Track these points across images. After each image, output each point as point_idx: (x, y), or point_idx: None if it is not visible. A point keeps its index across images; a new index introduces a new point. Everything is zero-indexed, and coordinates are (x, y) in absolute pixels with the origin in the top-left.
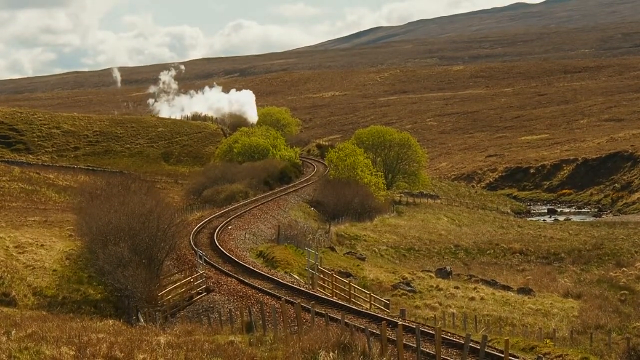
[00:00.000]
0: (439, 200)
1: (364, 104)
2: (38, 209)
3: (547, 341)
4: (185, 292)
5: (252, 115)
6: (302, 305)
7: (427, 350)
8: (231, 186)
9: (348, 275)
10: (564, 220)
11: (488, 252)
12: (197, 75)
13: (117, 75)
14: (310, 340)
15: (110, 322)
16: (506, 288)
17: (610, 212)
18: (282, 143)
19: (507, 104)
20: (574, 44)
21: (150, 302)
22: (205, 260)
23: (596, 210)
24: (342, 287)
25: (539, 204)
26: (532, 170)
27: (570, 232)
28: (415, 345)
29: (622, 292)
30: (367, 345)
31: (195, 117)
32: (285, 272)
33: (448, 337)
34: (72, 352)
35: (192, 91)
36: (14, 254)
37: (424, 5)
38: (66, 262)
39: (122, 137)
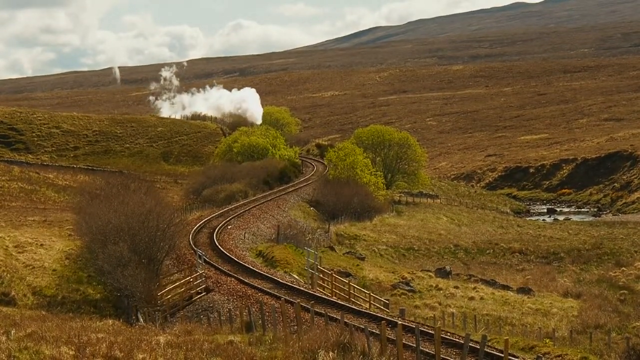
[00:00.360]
0: (439, 200)
1: (363, 103)
2: (37, 209)
3: (547, 341)
4: (184, 292)
5: (257, 115)
6: (301, 305)
7: (427, 350)
8: (231, 186)
9: (347, 275)
10: (564, 220)
11: (487, 251)
12: (196, 75)
13: (117, 73)
14: (309, 340)
15: (110, 321)
16: (506, 288)
17: (610, 211)
18: (282, 143)
19: (506, 104)
20: (573, 43)
21: (150, 302)
22: (204, 260)
23: (596, 209)
24: (342, 286)
25: (538, 203)
26: (531, 170)
27: (570, 231)
28: (414, 345)
29: (621, 291)
30: (366, 345)
31: (195, 116)
32: (285, 272)
33: (447, 337)
34: (71, 352)
35: (193, 89)
36: (14, 253)
37: (424, 5)
38: (66, 261)
39: (121, 136)
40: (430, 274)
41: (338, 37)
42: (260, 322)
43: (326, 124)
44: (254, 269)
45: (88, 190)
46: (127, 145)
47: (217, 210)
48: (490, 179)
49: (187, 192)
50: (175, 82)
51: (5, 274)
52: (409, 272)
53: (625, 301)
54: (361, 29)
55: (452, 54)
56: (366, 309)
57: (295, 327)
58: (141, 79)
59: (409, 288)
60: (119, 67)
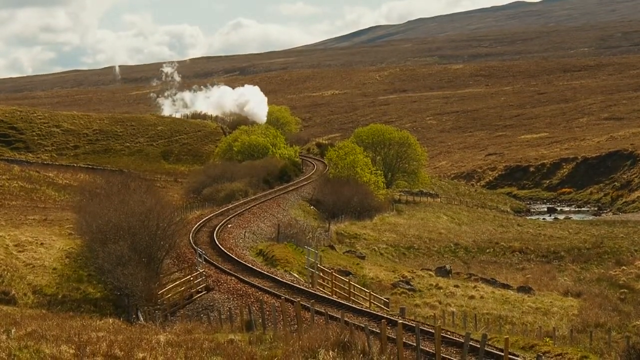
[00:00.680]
0: (439, 199)
1: (363, 102)
2: (38, 208)
3: (547, 340)
4: (185, 291)
5: (261, 114)
6: (301, 304)
7: (427, 349)
8: (231, 185)
9: (348, 273)
10: (564, 219)
11: (488, 250)
12: (197, 74)
13: (117, 69)
14: (310, 339)
15: (110, 320)
16: (506, 287)
17: (610, 210)
18: (282, 142)
19: (506, 103)
20: (573, 42)
21: (150, 301)
22: (205, 258)
23: (596, 208)
24: (342, 285)
25: (538, 202)
26: (531, 169)
27: (570, 230)
28: (415, 344)
29: (621, 290)
30: (366, 343)
31: (195, 115)
32: (285, 271)
33: (448, 336)
34: (71, 351)
35: (195, 86)
36: (14, 252)
37: (424, 3)
38: (66, 260)
39: (121, 135)
40: (431, 272)
41: (338, 36)
42: (260, 321)
43: (326, 123)
44: (254, 267)
45: (88, 189)
46: (127, 144)
47: (217, 209)
48: (491, 178)
49: (187, 191)
50: (177, 78)
51: (5, 272)
52: (409, 271)
53: (626, 300)
54: (361, 28)
55: (452, 53)
56: (366, 307)
57: (296, 325)
58: (141, 77)
59: (409, 287)
60: (119, 66)
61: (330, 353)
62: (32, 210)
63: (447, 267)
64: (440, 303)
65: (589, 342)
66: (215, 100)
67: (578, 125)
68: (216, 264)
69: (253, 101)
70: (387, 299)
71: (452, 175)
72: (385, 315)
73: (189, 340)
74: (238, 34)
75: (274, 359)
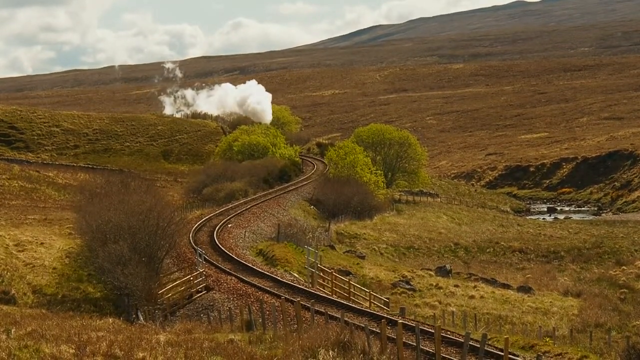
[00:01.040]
0: (439, 199)
1: (363, 102)
2: (38, 207)
3: (547, 339)
4: (184, 291)
5: (267, 113)
6: (301, 304)
7: (427, 349)
8: (231, 184)
9: (348, 273)
10: (564, 218)
11: (488, 250)
12: (197, 73)
13: (118, 68)
14: (310, 339)
15: (110, 320)
16: (506, 286)
17: (610, 210)
18: (282, 141)
19: (506, 103)
20: (573, 42)
21: (150, 301)
22: (205, 258)
23: (596, 208)
24: (342, 285)
25: (538, 202)
26: (531, 169)
27: (570, 230)
28: (415, 344)
29: (621, 290)
30: (366, 343)
31: (195, 115)
32: (285, 271)
33: (448, 336)
34: (71, 351)
35: (197, 84)
36: (14, 252)
37: (424, 3)
38: (66, 260)
39: (121, 135)
40: (431, 272)
41: (338, 35)
42: (260, 320)
43: (326, 122)
44: (254, 267)
45: (88, 188)
46: (128, 143)
47: (217, 209)
48: (491, 178)
49: (187, 190)
50: (179, 74)
51: (5, 272)
52: (409, 271)
53: (626, 300)
54: (361, 28)
55: (453, 53)
56: (366, 307)
57: (296, 325)
58: (141, 77)
59: (409, 287)
60: (119, 66)
61: (330, 353)
62: (32, 210)
63: (447, 267)
64: (440, 303)
65: (589, 342)
66: (217, 99)
67: (578, 125)
68: (216, 263)
69: (257, 99)
70: (387, 298)
71: (452, 175)
72: (385, 315)
73: (188, 340)
74: (238, 34)
75: (274, 359)
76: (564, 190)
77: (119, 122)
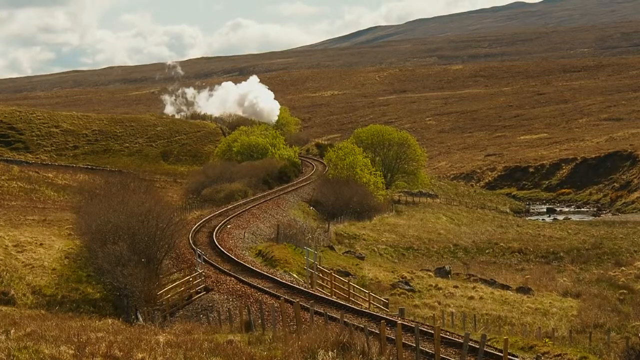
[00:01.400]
0: (438, 200)
1: (363, 103)
2: (37, 208)
3: (546, 340)
4: (184, 291)
5: (272, 113)
6: (301, 305)
7: (426, 350)
8: (230, 185)
9: (347, 274)
10: (563, 219)
11: (487, 251)
12: (196, 74)
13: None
14: (309, 339)
15: (109, 321)
16: (505, 287)
17: (609, 211)
18: (281, 142)
19: (506, 103)
20: (573, 43)
21: (149, 301)
22: (204, 259)
23: (595, 209)
24: (341, 286)
25: (538, 203)
26: (531, 170)
27: (569, 231)
28: (414, 345)
29: (621, 291)
30: (366, 344)
31: (195, 115)
32: (285, 271)
33: (447, 336)
34: (71, 351)
35: (198, 82)
36: (13, 252)
37: (423, 4)
38: (65, 261)
39: (121, 136)
40: (430, 273)
41: (337, 36)
42: (259, 321)
43: (326, 123)
44: (254, 268)
45: (87, 189)
46: (127, 144)
47: (217, 210)
48: (490, 179)
49: (186, 191)
50: (180, 71)
51: (4, 273)
52: (408, 272)
53: (625, 301)
54: (360, 29)
55: (452, 54)
56: (366, 308)
57: (295, 326)
58: (140, 78)
59: (409, 287)
60: (118, 67)
61: (330, 354)
62: (32, 211)
63: (447, 267)
64: (439, 304)
65: (588, 342)
66: (218, 100)
67: (577, 125)
68: (215, 264)
69: (261, 98)
70: (387, 299)
71: (452, 176)
72: (384, 316)
73: (188, 340)
74: (237, 34)
75: None
76: (563, 191)
77: (119, 123)
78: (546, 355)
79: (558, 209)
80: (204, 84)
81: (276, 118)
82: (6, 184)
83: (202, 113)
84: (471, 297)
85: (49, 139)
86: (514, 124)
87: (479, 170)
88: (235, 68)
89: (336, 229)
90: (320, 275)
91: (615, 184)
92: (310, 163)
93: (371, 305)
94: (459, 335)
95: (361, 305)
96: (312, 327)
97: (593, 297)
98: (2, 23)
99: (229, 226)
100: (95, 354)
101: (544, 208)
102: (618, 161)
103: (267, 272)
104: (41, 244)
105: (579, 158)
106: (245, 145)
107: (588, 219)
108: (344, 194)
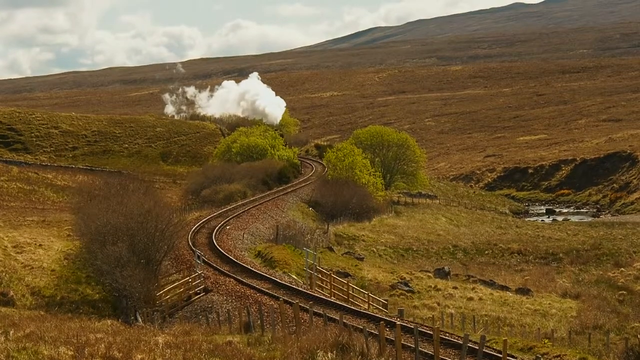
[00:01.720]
0: (437, 201)
1: (362, 104)
2: (36, 209)
3: (546, 341)
4: (183, 292)
5: (277, 113)
6: (300, 306)
7: (425, 351)
8: (229, 186)
9: (346, 275)
10: (563, 220)
11: (486, 252)
12: (195, 75)
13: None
14: (308, 341)
15: (109, 322)
16: (504, 288)
17: (609, 212)
18: (281, 143)
19: (505, 104)
20: (572, 44)
21: (149, 302)
22: (203, 260)
23: (594, 210)
24: (341, 287)
25: (537, 204)
26: (530, 171)
27: (569, 232)
28: (413, 346)
29: (620, 292)
30: (365, 345)
31: (194, 116)
32: (284, 272)
33: (446, 337)
34: (70, 352)
35: (199, 81)
36: (12, 253)
37: (422, 5)
38: (64, 262)
39: (120, 137)
40: (429, 274)
41: (336, 37)
42: (259, 322)
43: (325, 124)
44: (253, 269)
45: (87, 190)
46: (126, 145)
47: (216, 211)
48: (489, 180)
49: (185, 192)
50: (182, 69)
51: (3, 274)
52: (407, 273)
53: (624, 302)
54: (360, 30)
55: (451, 55)
56: (365, 309)
57: (294, 327)
58: (140, 79)
59: (408, 288)
60: (117, 68)
61: (329, 355)
62: (31, 212)
63: (446, 268)
64: (438, 305)
65: (587, 343)
66: (219, 100)
67: (577, 126)
68: (215, 265)
69: (264, 97)
70: (386, 300)
71: (451, 177)
72: (383, 317)
73: (187, 341)
74: (237, 35)
75: None
76: (562, 191)
77: (118, 124)
78: (545, 356)
79: (557, 210)
80: (204, 84)
81: (280, 118)
82: (5, 185)
83: (202, 114)
84: (470, 298)
85: (48, 139)
86: (514, 124)
87: (478, 171)
88: (234, 69)
89: (335, 230)
90: (320, 276)
91: (614, 184)
92: (310, 164)
93: (370, 306)
94: (458, 336)
95: (360, 306)
96: (312, 328)
97: (592, 298)
98: (1, 24)
99: (228, 227)
100: (94, 355)
101: (543, 209)
102: (617, 162)
103: (266, 273)
104: (40, 245)
105: (578, 159)
106: (245, 146)
107: (587, 220)
108: (343, 195)
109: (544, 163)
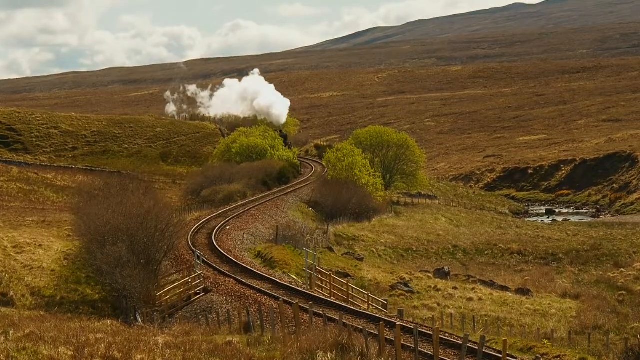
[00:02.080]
0: (437, 201)
1: (362, 104)
2: (36, 209)
3: (545, 341)
4: (183, 293)
5: (282, 114)
6: (300, 306)
7: (425, 351)
8: (229, 186)
9: (346, 275)
10: (562, 220)
11: (486, 252)
12: (195, 75)
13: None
14: (308, 341)
15: (108, 322)
16: (504, 288)
17: (609, 212)
18: (280, 143)
19: (505, 105)
20: (572, 44)
21: (148, 303)
22: (203, 260)
23: (594, 210)
24: (340, 287)
25: (537, 204)
26: (530, 171)
27: (569, 232)
28: (413, 346)
29: (620, 292)
30: (365, 345)
31: (194, 117)
32: (284, 273)
33: (446, 338)
34: (70, 352)
35: (200, 81)
36: (12, 254)
37: (422, 5)
38: (64, 262)
39: (120, 137)
40: (429, 274)
41: (336, 37)
42: (258, 322)
43: (325, 124)
44: (253, 269)
45: (86, 190)
46: (126, 145)
47: (216, 211)
48: (489, 180)
49: (185, 192)
50: (184, 67)
51: (3, 274)
52: (407, 273)
53: (624, 302)
54: (359, 30)
55: (451, 55)
56: (364, 309)
57: (294, 327)
58: (140, 79)
59: (408, 289)
60: (117, 68)
61: (329, 355)
62: (31, 212)
63: (446, 269)
64: (438, 305)
65: (587, 344)
66: (221, 100)
67: (576, 127)
68: (214, 265)
69: (266, 97)
70: (386, 300)
71: (451, 177)
72: (383, 317)
73: (187, 342)
74: (236, 36)
75: None
76: (562, 192)
77: (118, 124)
78: (545, 356)
79: (557, 210)
80: (204, 84)
81: (285, 117)
82: (5, 185)
83: (202, 115)
84: (470, 299)
85: (48, 140)
86: (513, 125)
87: (478, 172)
88: (234, 69)
89: (335, 230)
90: (319, 276)
91: (614, 185)
92: (309, 164)
93: (370, 306)
94: (458, 337)
95: (360, 306)
96: (311, 328)
97: (592, 299)
98: (1, 24)
99: (227, 227)
100: (94, 355)
101: (543, 209)
102: (617, 162)
103: (266, 274)
104: (40, 245)
105: (578, 159)
106: (244, 146)
107: (587, 220)
108: (343, 195)
109: (543, 163)
